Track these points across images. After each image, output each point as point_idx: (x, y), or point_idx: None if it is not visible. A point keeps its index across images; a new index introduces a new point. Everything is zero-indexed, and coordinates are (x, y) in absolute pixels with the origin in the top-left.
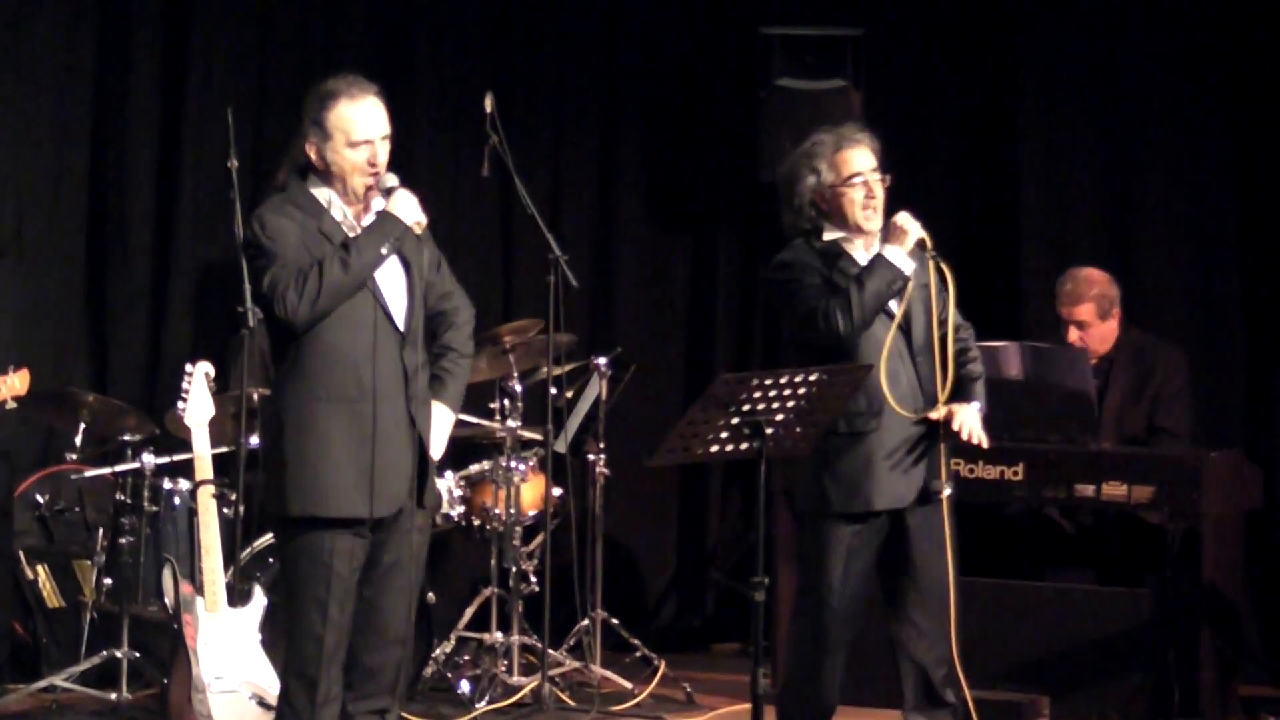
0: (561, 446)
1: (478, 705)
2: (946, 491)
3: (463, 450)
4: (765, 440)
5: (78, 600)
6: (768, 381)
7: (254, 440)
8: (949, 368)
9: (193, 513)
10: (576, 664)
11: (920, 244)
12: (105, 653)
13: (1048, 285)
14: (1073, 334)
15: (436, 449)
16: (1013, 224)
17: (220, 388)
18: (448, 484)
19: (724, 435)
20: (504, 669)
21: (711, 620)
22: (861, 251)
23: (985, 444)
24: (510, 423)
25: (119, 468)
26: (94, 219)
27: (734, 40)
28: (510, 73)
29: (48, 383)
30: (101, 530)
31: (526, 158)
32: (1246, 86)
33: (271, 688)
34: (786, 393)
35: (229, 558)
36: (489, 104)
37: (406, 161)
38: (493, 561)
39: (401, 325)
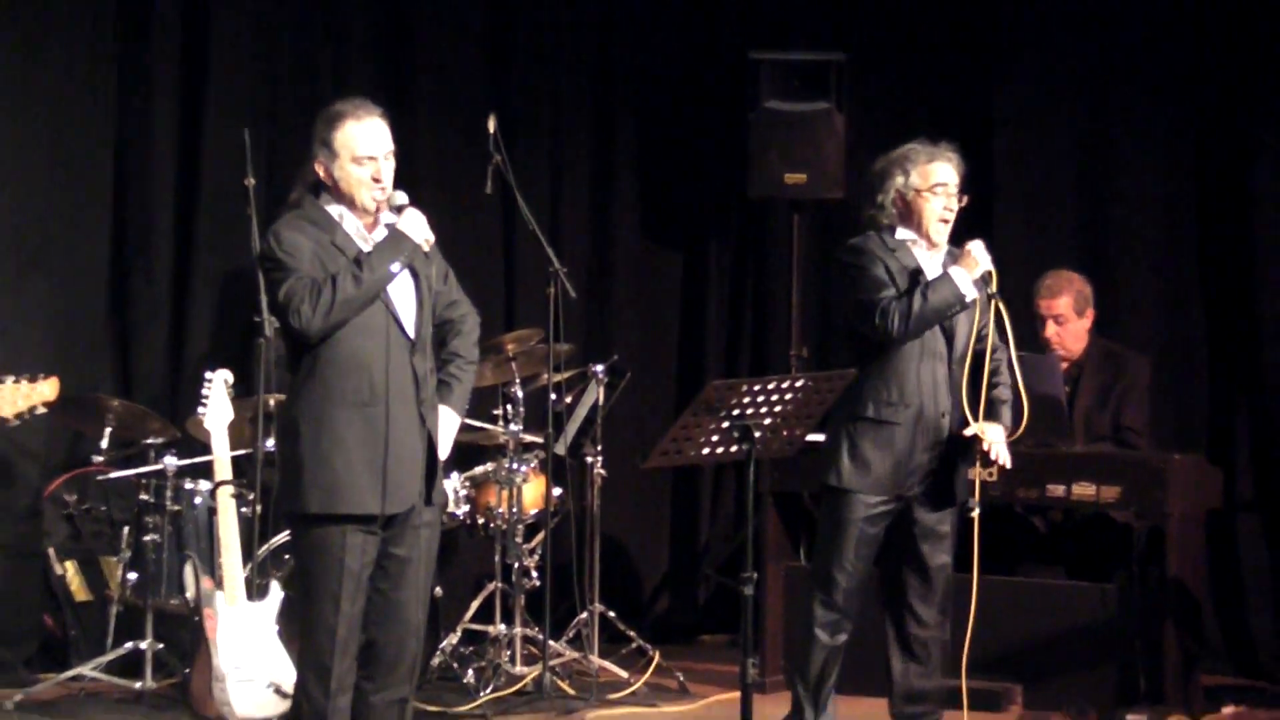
0: (561, 449)
1: (482, 693)
2: (976, 511)
3: (467, 452)
4: (754, 443)
5: (104, 594)
6: (756, 387)
7: (270, 443)
8: (982, 388)
9: (213, 511)
10: (575, 654)
11: (985, 277)
12: (130, 644)
13: (1022, 296)
14: (1049, 328)
15: (444, 450)
16: (988, 238)
17: (238, 393)
18: (453, 484)
19: (714, 438)
20: (507, 659)
21: (703, 613)
22: (924, 254)
23: (1008, 464)
24: (512, 426)
25: (143, 469)
26: (118, 233)
27: (723, 65)
28: (511, 95)
29: (75, 389)
30: (126, 528)
31: (527, 176)
32: (1210, 103)
33: (287, 677)
34: (774, 398)
35: (247, 554)
36: (491, 125)
37: (412, 180)
38: (496, 558)
39: (411, 333)
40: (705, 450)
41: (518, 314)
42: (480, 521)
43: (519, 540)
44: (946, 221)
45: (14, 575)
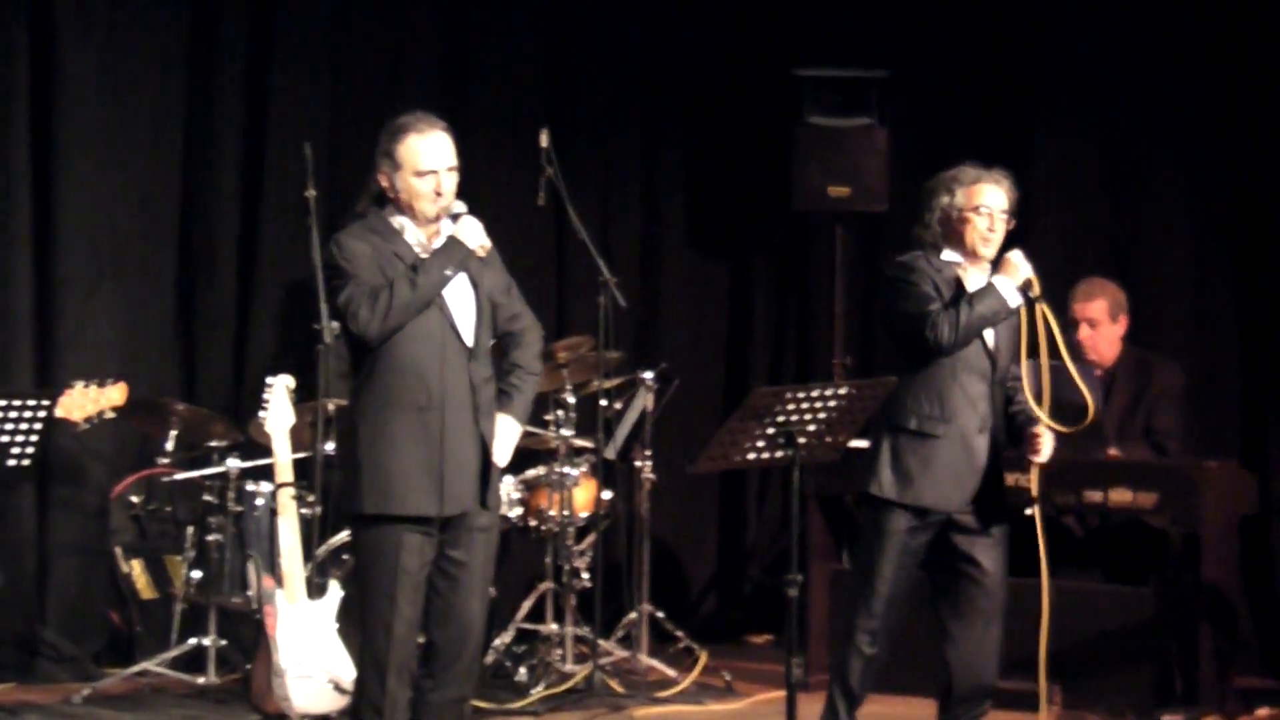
0: (611, 454)
1: (534, 691)
2: (1028, 511)
3: (520, 457)
4: (798, 448)
5: (169, 592)
6: (800, 394)
7: (330, 446)
8: (1044, 395)
9: (274, 512)
10: (625, 653)
11: (1025, 284)
12: (194, 640)
13: (1057, 305)
14: (1083, 330)
15: (503, 457)
16: (1025, 248)
17: (299, 398)
18: (506, 488)
19: (760, 444)
20: (558, 657)
21: (749, 614)
22: (974, 277)
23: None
24: (564, 431)
25: (207, 471)
26: (184, 244)
27: (768, 81)
28: (563, 110)
29: (142, 393)
30: (191, 528)
31: (578, 188)
32: (1240, 117)
33: (345, 673)
34: (818, 404)
35: (307, 554)
36: (544, 139)
37: (467, 192)
38: (548, 559)
39: (468, 341)
40: (751, 455)
41: (569, 322)
42: (533, 524)
43: (570, 542)
44: (988, 243)
45: (82, 573)
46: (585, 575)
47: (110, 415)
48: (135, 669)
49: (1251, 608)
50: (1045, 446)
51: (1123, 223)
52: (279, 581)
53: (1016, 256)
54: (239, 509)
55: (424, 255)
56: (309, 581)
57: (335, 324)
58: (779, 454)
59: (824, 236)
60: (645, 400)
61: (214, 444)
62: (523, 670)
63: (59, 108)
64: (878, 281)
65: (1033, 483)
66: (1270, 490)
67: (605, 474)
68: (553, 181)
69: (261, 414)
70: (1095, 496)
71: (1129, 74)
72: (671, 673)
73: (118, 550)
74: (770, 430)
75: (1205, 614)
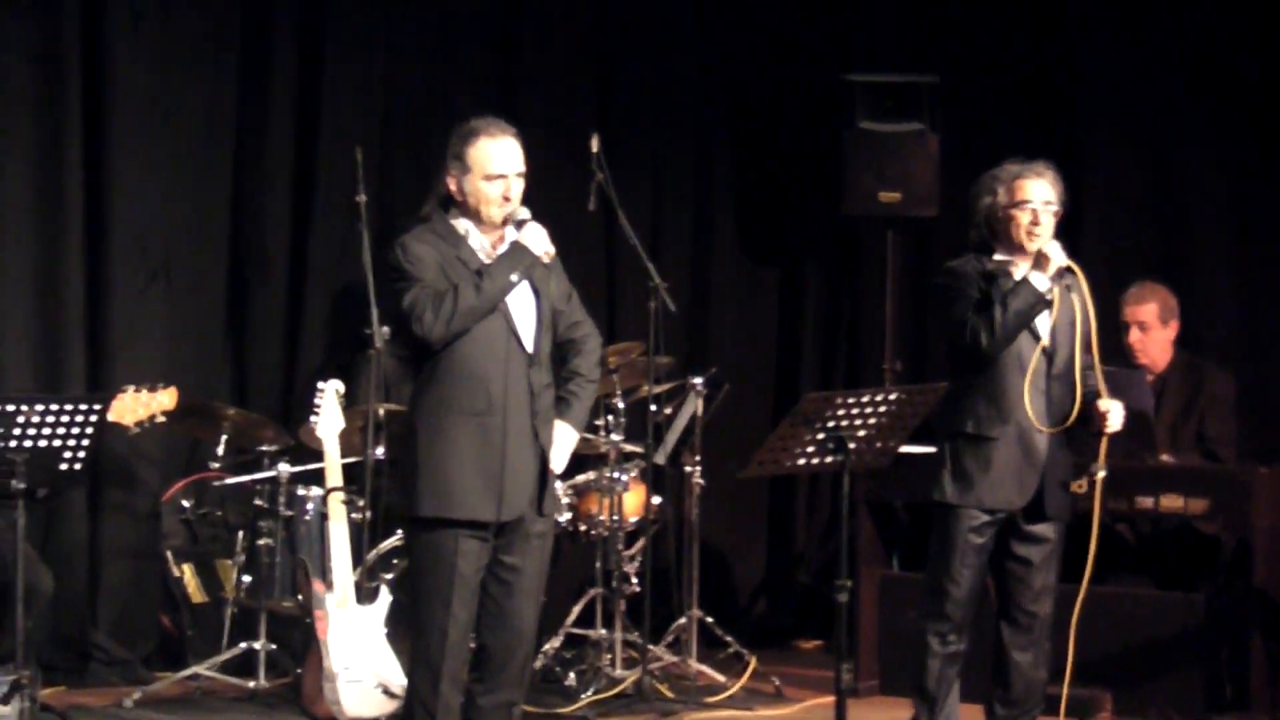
0: (661, 459)
1: (583, 696)
2: (1102, 473)
3: (570, 462)
4: (848, 454)
5: (219, 596)
6: (850, 400)
7: (380, 451)
8: (1081, 379)
9: (324, 517)
10: (674, 659)
11: (1060, 272)
12: (244, 644)
13: (1107, 308)
14: (1133, 334)
15: (559, 464)
16: (1074, 253)
17: (349, 403)
18: (556, 492)
19: (810, 449)
20: (607, 663)
21: (799, 619)
22: (1022, 273)
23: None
24: (614, 437)
25: (257, 475)
26: (235, 249)
27: (819, 86)
28: (614, 115)
29: (193, 397)
30: (241, 532)
31: (629, 193)
32: None
33: (395, 678)
34: (868, 410)
35: (357, 559)
36: (595, 144)
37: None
38: (597, 564)
39: (530, 347)
40: (801, 460)
41: (619, 327)
42: (582, 528)
43: (620, 547)
44: (1034, 237)
45: (133, 577)
46: (634, 580)
47: (161, 420)
48: (186, 673)
49: None
50: (1113, 418)
51: (1173, 227)
52: (329, 586)
53: (1051, 248)
54: (289, 513)
55: (488, 260)
56: (359, 586)
57: (386, 329)
58: (829, 459)
59: (875, 242)
60: (695, 405)
61: (264, 448)
62: (572, 675)
63: (111, 113)
64: (928, 287)
65: (1101, 451)
66: None
67: (655, 479)
68: (603, 186)
69: (312, 418)
70: (1146, 502)
71: (1179, 78)
72: (721, 678)
73: (169, 554)
74: (820, 436)
75: (1256, 620)
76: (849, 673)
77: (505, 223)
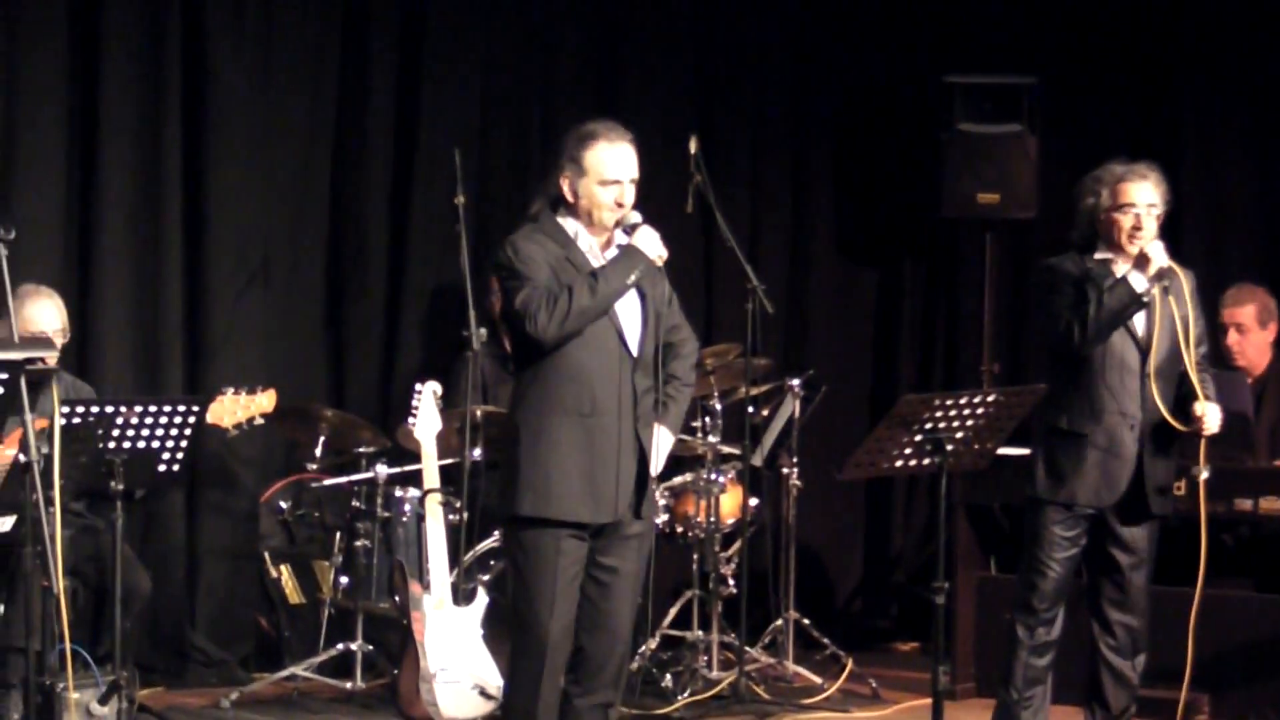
0: (758, 460)
1: (679, 697)
2: (1205, 475)
3: (667, 463)
4: (946, 456)
5: (317, 597)
6: (948, 402)
7: (477, 453)
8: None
9: (421, 518)
10: (771, 660)
11: (1160, 273)
12: (341, 645)
13: (1208, 312)
14: (1231, 335)
15: (656, 466)
16: (1174, 254)
17: (446, 404)
18: (654, 495)
19: (908, 451)
20: (704, 664)
21: (896, 621)
22: (1134, 272)
23: (1214, 429)
24: (711, 438)
25: (355, 477)
26: (333, 251)
27: (918, 88)
28: (712, 116)
29: (291, 399)
30: (339, 534)
31: (727, 195)
32: None
33: (492, 679)
34: (966, 412)
35: (454, 560)
36: (693, 145)
37: None
38: (694, 566)
39: (635, 350)
40: (898, 462)
41: (716, 329)
42: (679, 530)
43: (716, 549)
44: (1136, 239)
45: (231, 578)
46: (731, 582)
47: (259, 421)
48: (283, 674)
49: None
50: (1210, 420)
51: (1274, 228)
52: (426, 587)
53: (1153, 249)
54: (387, 515)
55: (596, 262)
56: (456, 588)
57: (483, 330)
58: (927, 461)
59: (973, 243)
60: (792, 407)
61: (362, 450)
62: (668, 677)
63: (210, 116)
64: (1026, 288)
65: (1202, 452)
66: None
67: (752, 481)
68: (701, 188)
69: (410, 420)
70: (1245, 505)
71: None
72: (817, 680)
73: (266, 555)
74: (918, 438)
75: None
76: (946, 675)
77: (616, 226)
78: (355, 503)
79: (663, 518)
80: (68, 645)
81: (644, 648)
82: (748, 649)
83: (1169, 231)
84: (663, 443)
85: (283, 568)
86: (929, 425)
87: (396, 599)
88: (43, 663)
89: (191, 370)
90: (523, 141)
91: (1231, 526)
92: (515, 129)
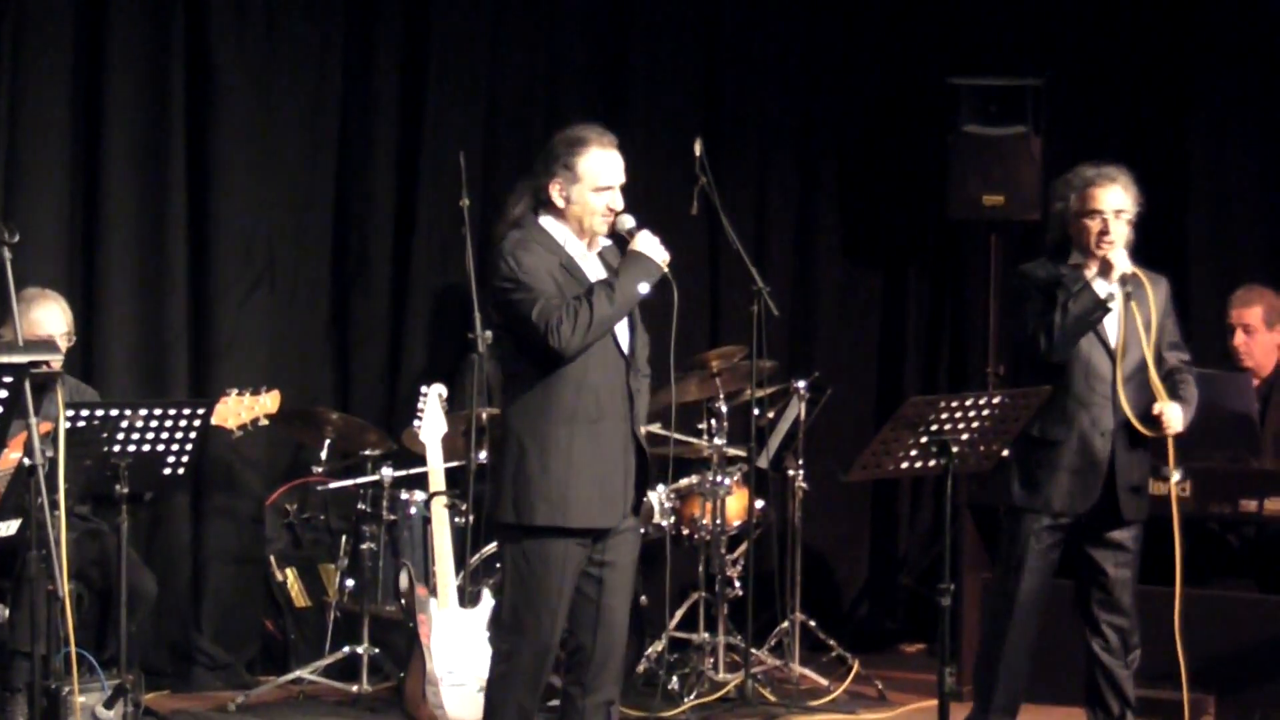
0: (764, 462)
1: (686, 699)
2: (1176, 478)
3: (673, 466)
4: (951, 457)
5: (322, 600)
6: (954, 404)
7: (483, 455)
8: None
9: (427, 521)
10: (777, 662)
11: (1124, 278)
12: (347, 648)
13: (1214, 312)
14: (1238, 336)
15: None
16: (1181, 256)
17: (452, 407)
18: (659, 496)
19: (913, 453)
20: (710, 666)
21: (902, 623)
22: (1095, 275)
23: (1176, 430)
24: (716, 441)
25: (360, 480)
26: (338, 254)
27: (923, 90)
28: (717, 119)
29: (296, 402)
30: (344, 536)
31: (732, 197)
32: None
33: None
34: (971, 414)
35: (460, 563)
36: (698, 148)
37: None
38: (700, 568)
39: (627, 352)
40: (904, 464)
41: (722, 331)
42: (685, 532)
43: (722, 551)
44: (1105, 244)
45: (237, 581)
46: (737, 584)
47: (264, 423)
48: (289, 677)
49: None
50: (1170, 419)
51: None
52: (432, 590)
53: (1116, 256)
54: (392, 518)
55: (582, 262)
56: (462, 590)
57: (489, 333)
58: (932, 463)
59: (979, 245)
60: (798, 409)
61: (368, 453)
62: (675, 679)
63: (215, 120)
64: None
65: (1170, 453)
66: None
67: (758, 483)
68: (706, 191)
69: (415, 423)
70: (1250, 505)
71: None
72: (824, 681)
73: (272, 558)
74: (924, 439)
75: None
76: (952, 676)
77: (609, 231)
78: (361, 506)
79: (669, 520)
80: (73, 649)
81: (650, 650)
82: (754, 651)
83: (1176, 233)
84: None
85: (288, 571)
86: (934, 427)
87: (402, 602)
88: (48, 666)
89: (196, 373)
90: (527, 145)
91: (1236, 527)
92: (520, 133)
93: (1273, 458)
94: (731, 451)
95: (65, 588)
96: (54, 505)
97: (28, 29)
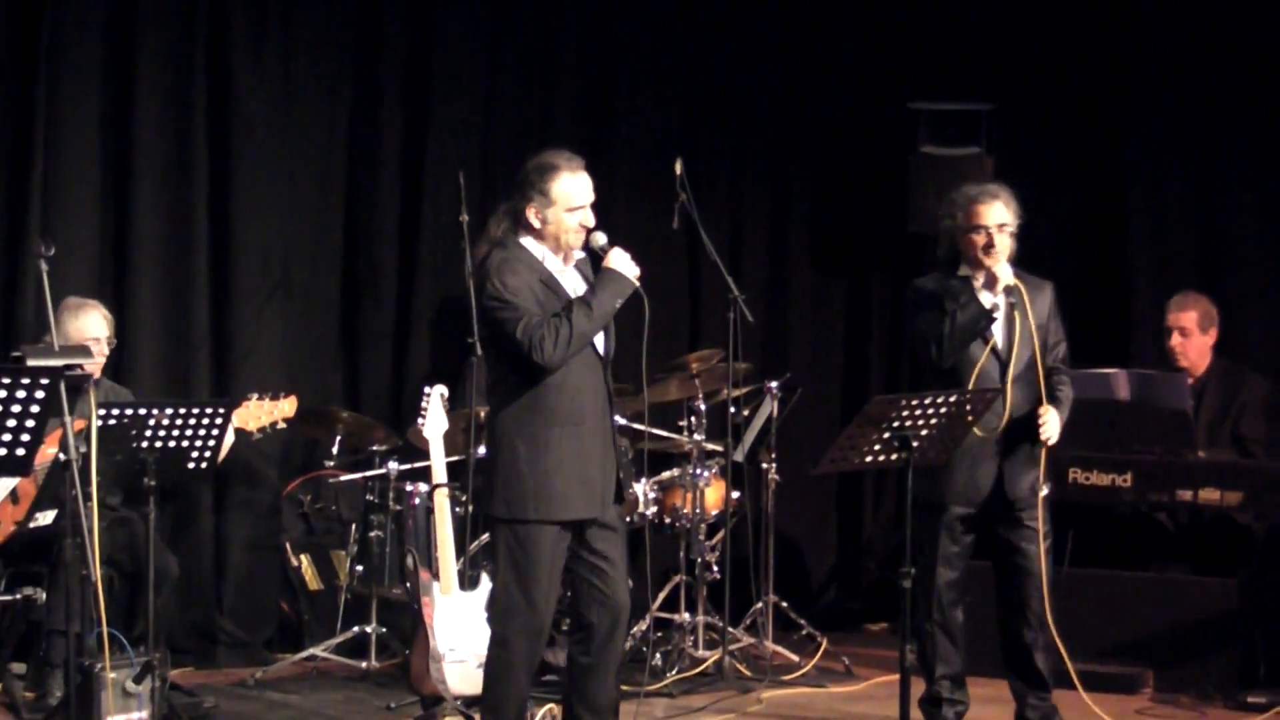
0: (739, 456)
1: (668, 674)
2: (1044, 491)
3: (656, 459)
4: (911, 452)
5: (334, 584)
6: (914, 402)
7: (481, 450)
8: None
9: (430, 511)
10: (752, 640)
11: (1008, 289)
12: (357, 628)
13: (1153, 318)
14: (1174, 338)
15: None
16: (1121, 266)
17: (453, 406)
18: (643, 488)
19: (876, 448)
20: (690, 644)
21: (866, 603)
22: (982, 287)
23: (1053, 441)
24: (696, 436)
25: (369, 473)
26: (348, 266)
27: (885, 114)
28: (696, 141)
29: (310, 401)
30: (354, 525)
31: (710, 213)
32: None
33: None
34: (930, 411)
35: (460, 549)
36: (678, 167)
37: (608, 216)
38: (681, 553)
39: (603, 353)
40: (868, 458)
41: (701, 336)
42: (667, 521)
43: (701, 538)
44: (990, 257)
45: (255, 566)
46: (715, 568)
47: (282, 426)
48: (303, 654)
49: None
50: (1048, 433)
51: (1213, 243)
52: (435, 574)
53: (1000, 269)
54: (398, 508)
55: (560, 277)
56: (462, 574)
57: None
58: (894, 457)
59: (935, 256)
60: (771, 408)
61: (375, 448)
62: (658, 655)
63: (235, 144)
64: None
65: (1042, 467)
66: None
67: (734, 475)
68: (686, 207)
69: (419, 420)
70: (1186, 495)
71: (1220, 102)
72: (795, 658)
73: (288, 545)
74: (886, 435)
75: None
76: (912, 653)
77: (584, 247)
78: (369, 497)
79: (652, 510)
80: (105, 629)
81: (635, 629)
82: (731, 630)
83: (1117, 244)
84: None
85: (303, 557)
86: (896, 424)
87: (408, 585)
88: (82, 645)
89: (218, 375)
90: (521, 165)
91: (1173, 514)
92: (514, 153)
93: (1206, 451)
94: (710, 446)
95: (98, 573)
96: (87, 497)
97: (62, 61)
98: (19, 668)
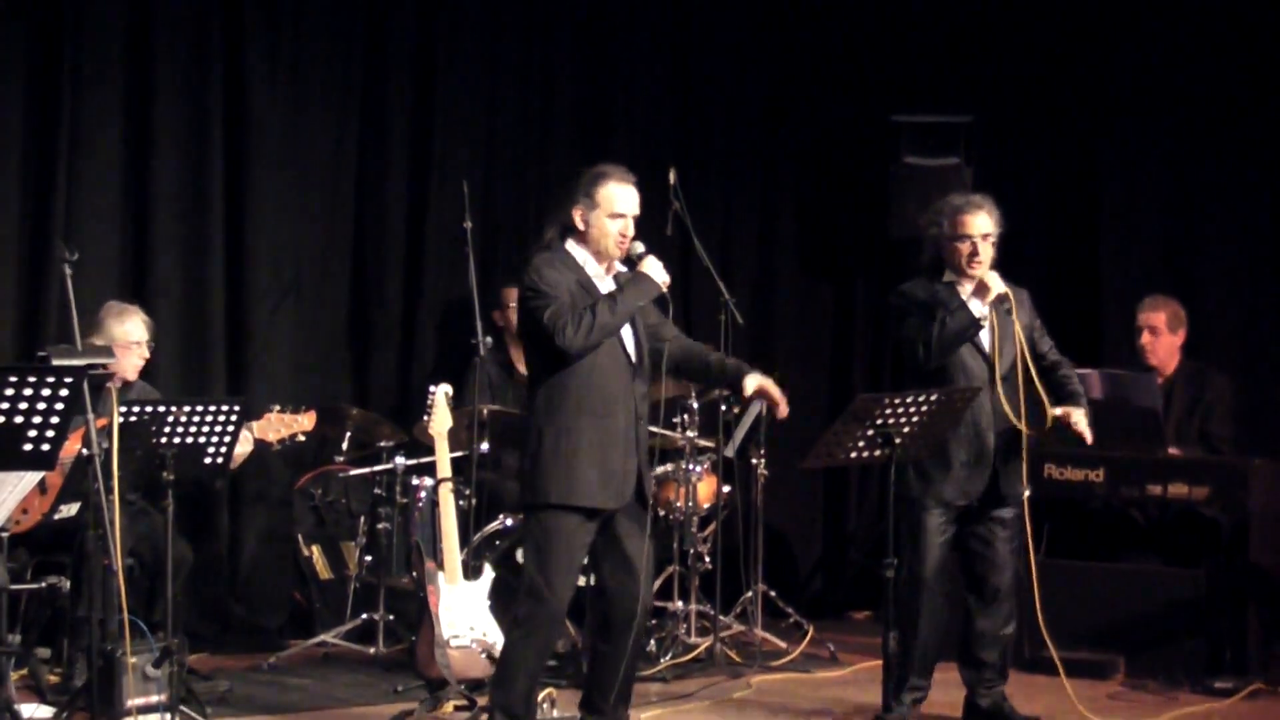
0: (730, 452)
1: (662, 660)
2: (1027, 493)
3: (650, 454)
4: (895, 448)
5: (344, 573)
6: (897, 400)
7: (484, 447)
8: (1031, 389)
9: (435, 504)
10: (742, 627)
11: (998, 299)
12: (365, 616)
13: (1123, 320)
14: (1144, 337)
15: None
16: (1094, 270)
17: (457, 404)
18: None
19: (861, 444)
20: (683, 631)
21: (851, 593)
22: (968, 293)
23: (1089, 440)
24: (689, 433)
25: (377, 468)
26: (357, 270)
27: (869, 126)
28: (689, 152)
29: (321, 399)
30: (363, 517)
31: (702, 220)
32: None
33: (498, 644)
34: (912, 410)
35: (464, 540)
36: (672, 176)
37: None
38: (674, 544)
39: (634, 359)
40: (853, 454)
41: (693, 337)
42: (661, 513)
43: (694, 530)
44: (974, 265)
45: (269, 557)
46: (707, 559)
47: (301, 439)
48: (315, 640)
49: None
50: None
51: (1183, 249)
52: (440, 565)
53: (990, 278)
54: (405, 501)
55: (600, 284)
56: (465, 564)
57: (489, 339)
58: (878, 453)
59: (916, 262)
60: (760, 406)
61: (383, 444)
62: (652, 642)
63: (249, 151)
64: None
65: (1023, 471)
66: None
67: (725, 470)
68: (679, 214)
69: (425, 418)
70: (1155, 490)
71: (1192, 115)
72: (782, 644)
73: (299, 537)
74: (871, 432)
75: (1252, 593)
76: (895, 640)
77: (622, 254)
78: (377, 490)
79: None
80: (125, 616)
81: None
82: (721, 617)
83: (1090, 251)
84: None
85: (314, 547)
86: (880, 421)
87: (414, 574)
88: (104, 631)
89: (233, 375)
90: (523, 174)
91: (1143, 508)
92: (516, 163)
93: (1175, 447)
94: (702, 442)
95: (119, 563)
96: (109, 490)
97: (83, 73)
98: (44, 652)
